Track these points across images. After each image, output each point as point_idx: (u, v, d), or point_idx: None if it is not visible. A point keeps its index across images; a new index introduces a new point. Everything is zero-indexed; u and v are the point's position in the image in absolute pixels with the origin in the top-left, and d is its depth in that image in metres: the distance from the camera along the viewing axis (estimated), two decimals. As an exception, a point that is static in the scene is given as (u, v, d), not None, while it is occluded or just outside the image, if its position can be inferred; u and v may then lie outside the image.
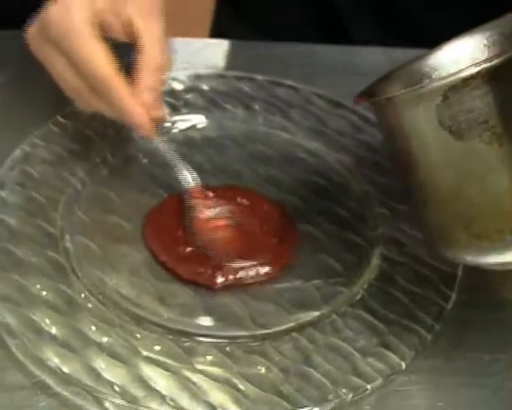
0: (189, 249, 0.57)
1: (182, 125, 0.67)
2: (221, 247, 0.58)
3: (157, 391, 0.50)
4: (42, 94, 0.67)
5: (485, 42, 0.54)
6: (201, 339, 0.53)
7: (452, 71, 0.46)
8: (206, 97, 0.69)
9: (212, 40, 0.78)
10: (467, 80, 0.46)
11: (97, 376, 0.50)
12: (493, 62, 0.46)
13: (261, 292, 0.56)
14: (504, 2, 0.56)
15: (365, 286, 0.57)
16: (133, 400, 0.49)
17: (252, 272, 0.57)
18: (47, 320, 0.52)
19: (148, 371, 0.51)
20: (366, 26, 0.81)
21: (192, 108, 0.68)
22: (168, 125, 0.67)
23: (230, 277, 0.56)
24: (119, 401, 0.49)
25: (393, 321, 0.55)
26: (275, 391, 0.50)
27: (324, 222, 0.61)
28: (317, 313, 0.55)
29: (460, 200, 0.48)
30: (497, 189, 0.47)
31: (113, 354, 0.51)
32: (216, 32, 0.88)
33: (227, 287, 0.56)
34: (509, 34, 0.53)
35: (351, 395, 0.50)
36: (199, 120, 0.68)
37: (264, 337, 0.53)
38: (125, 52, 0.57)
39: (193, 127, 0.67)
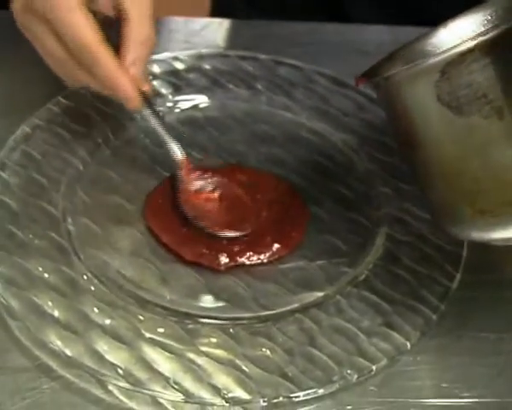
0: (191, 230, 0.56)
1: (184, 105, 0.66)
2: (215, 219, 0.57)
3: (160, 373, 0.49)
4: (43, 75, 0.66)
5: (489, 17, 0.53)
6: (205, 321, 0.52)
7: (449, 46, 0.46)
8: (209, 77, 0.68)
9: (213, 19, 0.76)
10: (464, 54, 0.45)
11: (100, 358, 0.49)
12: (490, 35, 0.45)
13: (265, 273, 0.55)
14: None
15: (370, 266, 0.56)
16: (137, 382, 0.48)
17: (258, 254, 0.56)
18: (49, 303, 0.51)
19: (152, 354, 0.50)
20: (367, 7, 0.79)
21: (194, 87, 0.67)
22: (170, 104, 0.66)
23: (235, 258, 0.55)
24: (122, 383, 0.48)
25: (398, 301, 0.54)
26: (279, 373, 0.49)
27: (328, 202, 0.60)
28: (321, 294, 0.54)
29: (463, 175, 0.48)
30: (500, 162, 0.46)
31: (116, 337, 0.50)
32: (216, 12, 0.87)
33: (230, 268, 0.55)
34: None
35: (356, 376, 0.50)
36: (201, 100, 0.66)
37: (268, 319, 0.52)
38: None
39: (195, 107, 0.66)
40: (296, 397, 0.49)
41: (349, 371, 0.50)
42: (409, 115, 0.49)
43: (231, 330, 0.51)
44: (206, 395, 0.48)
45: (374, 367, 0.50)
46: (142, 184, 0.60)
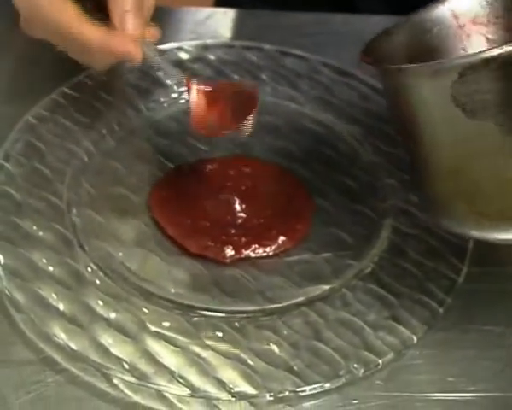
0: (196, 223, 0.55)
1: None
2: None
3: (166, 367, 0.48)
4: (47, 66, 0.65)
5: None
6: (210, 314, 0.51)
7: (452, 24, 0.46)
8: (214, 67, 0.67)
9: (218, 9, 0.75)
10: (487, 61, 0.44)
11: (105, 352, 0.48)
12: None
13: (270, 265, 0.54)
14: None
15: (375, 259, 0.55)
16: (142, 376, 0.47)
17: (263, 247, 0.54)
18: (54, 295, 0.51)
19: (157, 347, 0.49)
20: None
21: (199, 78, 0.65)
22: (175, 95, 0.65)
23: (240, 251, 0.54)
24: (127, 377, 0.47)
25: (404, 294, 0.53)
26: (285, 367, 0.49)
27: (333, 194, 0.59)
28: (326, 287, 0.53)
29: (464, 176, 0.47)
30: (503, 171, 0.46)
31: (121, 330, 0.49)
32: (221, 1, 0.86)
33: (236, 261, 0.54)
34: None
35: (362, 371, 0.49)
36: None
37: (273, 312, 0.51)
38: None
39: (200, 98, 0.65)
40: (302, 391, 0.48)
41: (355, 366, 0.49)
42: (417, 108, 0.48)
43: (237, 323, 0.50)
44: (212, 389, 0.47)
45: (380, 361, 0.49)
46: (147, 176, 0.59)
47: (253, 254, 0.54)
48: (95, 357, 0.48)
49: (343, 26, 0.73)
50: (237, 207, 0.57)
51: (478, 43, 0.55)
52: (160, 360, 0.48)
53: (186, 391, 0.47)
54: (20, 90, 0.64)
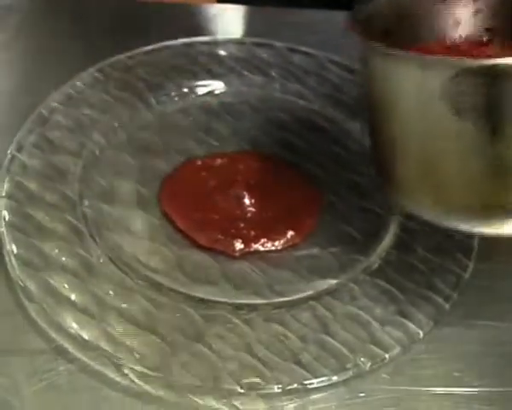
0: (206, 216, 0.55)
1: (200, 91, 0.65)
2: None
3: (175, 357, 0.48)
4: (59, 59, 0.65)
5: None
6: (219, 306, 0.51)
7: None
8: (224, 64, 0.67)
9: (229, 6, 0.75)
10: (487, 68, 0.44)
11: (116, 342, 0.48)
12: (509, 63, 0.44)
13: (279, 259, 0.54)
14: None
15: (383, 255, 0.55)
16: (152, 367, 0.47)
17: (272, 241, 0.54)
18: (66, 286, 0.50)
19: (167, 338, 0.49)
20: None
21: (210, 74, 0.66)
22: (186, 90, 0.64)
23: (250, 244, 0.54)
24: (138, 367, 0.47)
25: (411, 290, 0.53)
26: (293, 360, 0.48)
27: (341, 190, 0.59)
28: (334, 282, 0.53)
29: (431, 168, 0.48)
30: (472, 171, 0.47)
31: (131, 320, 0.49)
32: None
33: (245, 254, 0.54)
34: None
35: (369, 364, 0.49)
36: (217, 86, 0.65)
37: (282, 305, 0.51)
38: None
39: (211, 93, 0.65)
40: (310, 384, 0.48)
41: (362, 359, 0.49)
42: (400, 93, 0.48)
43: (246, 316, 0.50)
44: (222, 380, 0.47)
45: (387, 355, 0.49)
46: (158, 169, 0.59)
47: (261, 248, 0.54)
48: (106, 347, 0.48)
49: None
50: (247, 201, 0.57)
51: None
52: (171, 350, 0.48)
53: (196, 382, 0.47)
54: (32, 82, 0.64)
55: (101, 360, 0.48)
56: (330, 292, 0.52)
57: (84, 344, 0.48)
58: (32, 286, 0.50)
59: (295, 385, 0.47)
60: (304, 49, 0.68)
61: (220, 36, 0.69)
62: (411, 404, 0.48)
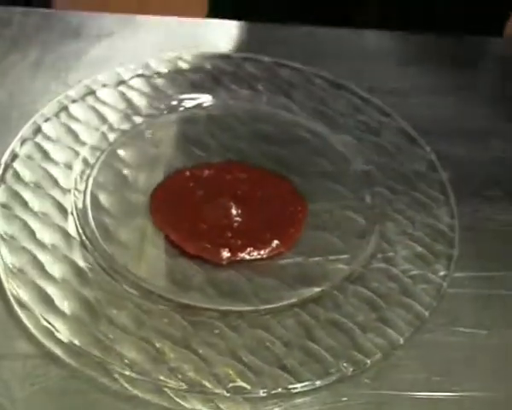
0: (195, 225, 0.56)
1: (188, 104, 0.65)
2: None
3: (164, 363, 0.49)
4: (53, 70, 0.66)
5: None
6: (207, 313, 0.52)
7: None
8: (212, 77, 0.67)
9: (213, 21, 0.76)
10: None
11: (106, 348, 0.49)
12: None
13: (265, 268, 0.55)
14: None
15: (365, 263, 0.55)
16: (141, 371, 0.48)
17: (258, 250, 0.55)
18: (58, 293, 0.51)
19: (156, 344, 0.49)
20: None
21: (198, 87, 0.66)
22: (175, 103, 0.65)
23: (236, 253, 0.55)
24: (127, 372, 0.48)
25: (392, 298, 0.54)
26: (278, 365, 0.49)
27: (325, 200, 0.60)
28: (318, 289, 0.54)
29: None
30: None
31: (121, 327, 0.50)
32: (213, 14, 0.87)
33: (232, 263, 0.55)
34: None
35: (351, 369, 0.50)
36: (205, 99, 0.66)
37: (267, 312, 0.52)
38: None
39: (199, 106, 0.66)
40: (294, 388, 0.49)
41: (345, 365, 0.50)
42: None
43: (232, 322, 0.51)
44: (208, 384, 0.48)
45: (368, 361, 0.50)
46: (147, 180, 0.59)
47: (248, 257, 0.55)
48: (96, 352, 0.48)
49: (335, 40, 0.73)
50: (234, 211, 0.58)
51: None
52: (159, 355, 0.49)
53: (183, 386, 0.48)
54: (26, 94, 0.64)
55: (91, 365, 0.48)
56: (314, 299, 0.53)
57: (75, 350, 0.49)
58: (24, 294, 0.51)
59: (280, 390, 0.48)
60: (290, 63, 0.69)
61: (208, 50, 0.69)
62: (392, 408, 0.49)
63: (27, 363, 0.49)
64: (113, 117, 0.63)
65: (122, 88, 0.65)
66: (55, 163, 0.59)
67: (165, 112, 0.65)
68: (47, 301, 0.51)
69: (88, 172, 0.59)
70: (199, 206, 0.58)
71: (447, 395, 0.50)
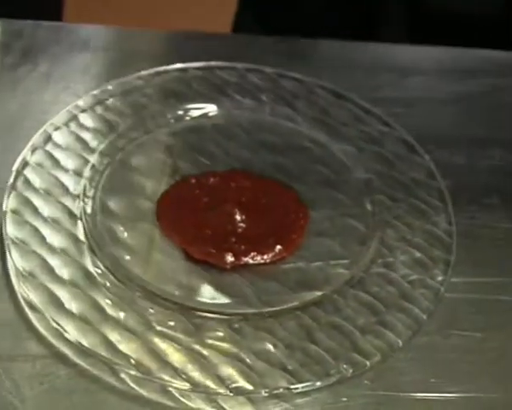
0: (200, 231, 0.57)
1: (194, 113, 0.66)
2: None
3: (170, 364, 0.49)
4: (62, 81, 0.67)
5: None
6: (211, 316, 0.52)
7: None
8: (217, 87, 0.68)
9: (219, 34, 0.77)
10: None
11: (113, 348, 0.50)
12: None
13: (268, 272, 0.56)
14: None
15: (365, 268, 0.56)
16: (147, 371, 0.49)
17: (261, 255, 0.56)
18: (67, 296, 0.52)
19: (161, 345, 0.50)
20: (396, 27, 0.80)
21: (203, 97, 0.67)
22: (181, 112, 0.66)
23: (240, 257, 0.56)
24: (133, 372, 0.49)
25: (391, 302, 0.54)
26: (280, 366, 0.50)
27: (326, 207, 0.61)
28: (319, 293, 0.55)
29: None
30: None
31: (128, 328, 0.51)
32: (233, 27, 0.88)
33: (236, 267, 0.56)
34: None
35: (351, 371, 0.50)
36: (210, 109, 0.67)
37: (270, 315, 0.53)
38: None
39: (204, 115, 0.66)
40: (295, 389, 0.49)
41: (345, 366, 0.50)
42: None
43: (236, 324, 0.52)
44: (212, 384, 0.49)
45: (368, 363, 0.51)
46: (155, 187, 0.60)
47: (251, 261, 0.56)
48: (103, 353, 0.49)
49: (336, 52, 0.74)
50: (238, 217, 0.58)
51: None
52: (164, 356, 0.50)
53: (188, 386, 0.48)
54: (37, 103, 0.66)
55: (98, 365, 0.49)
56: (315, 303, 0.54)
57: (83, 350, 0.50)
58: (34, 296, 0.52)
59: (281, 390, 0.49)
60: (293, 74, 0.70)
61: (213, 61, 0.70)
62: (391, 409, 0.50)
63: (37, 363, 0.49)
64: (121, 125, 0.64)
65: (129, 97, 0.66)
66: (65, 170, 0.60)
67: (172, 121, 0.66)
68: (57, 303, 0.52)
69: (97, 178, 0.60)
70: (204, 212, 0.59)
71: (443, 396, 0.50)
